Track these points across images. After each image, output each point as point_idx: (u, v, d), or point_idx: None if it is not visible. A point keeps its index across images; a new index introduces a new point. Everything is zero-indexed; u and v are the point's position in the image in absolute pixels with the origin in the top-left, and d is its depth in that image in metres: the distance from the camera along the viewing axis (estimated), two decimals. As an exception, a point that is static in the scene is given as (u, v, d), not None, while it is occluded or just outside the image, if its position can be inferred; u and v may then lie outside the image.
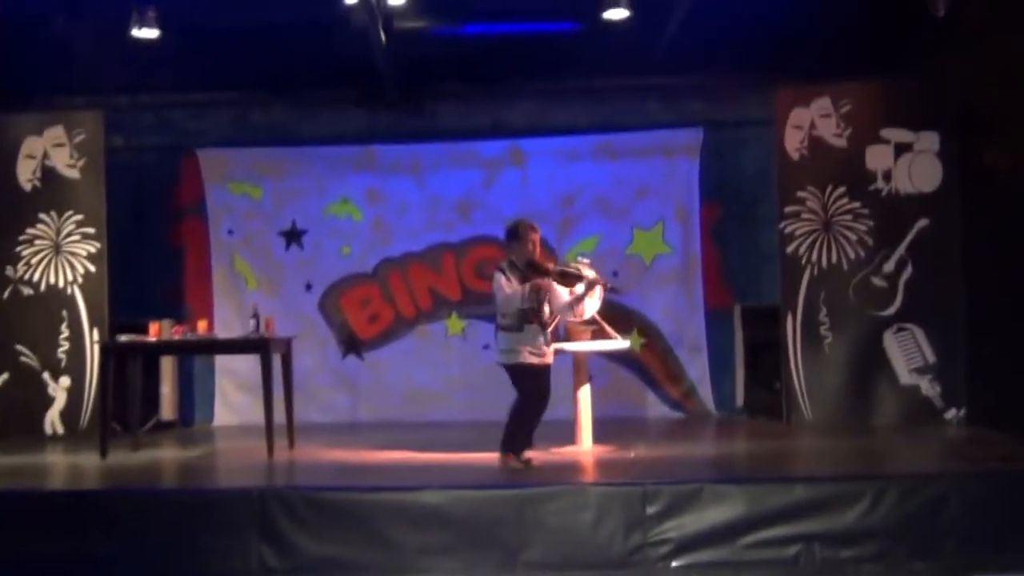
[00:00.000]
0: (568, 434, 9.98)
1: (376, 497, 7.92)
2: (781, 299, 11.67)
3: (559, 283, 9.23)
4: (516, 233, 9.26)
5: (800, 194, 11.56)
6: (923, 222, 11.33)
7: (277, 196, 13.20)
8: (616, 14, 10.44)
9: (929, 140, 11.33)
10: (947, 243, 11.27)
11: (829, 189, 11.49)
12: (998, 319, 10.81)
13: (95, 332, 11.88)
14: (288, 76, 12.61)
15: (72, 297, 11.96)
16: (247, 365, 12.33)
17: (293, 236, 13.17)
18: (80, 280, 11.97)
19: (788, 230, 11.59)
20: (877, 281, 11.38)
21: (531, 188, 13.06)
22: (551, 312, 9.24)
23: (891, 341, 11.34)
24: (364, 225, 13.18)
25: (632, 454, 9.64)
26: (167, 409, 12.74)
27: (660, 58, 11.93)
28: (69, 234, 12.00)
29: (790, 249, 11.57)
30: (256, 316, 10.44)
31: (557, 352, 10.04)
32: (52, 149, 12.10)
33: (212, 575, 7.82)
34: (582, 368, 9.99)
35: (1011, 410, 10.34)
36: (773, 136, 11.73)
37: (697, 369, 12.84)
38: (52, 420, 11.92)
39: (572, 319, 9.52)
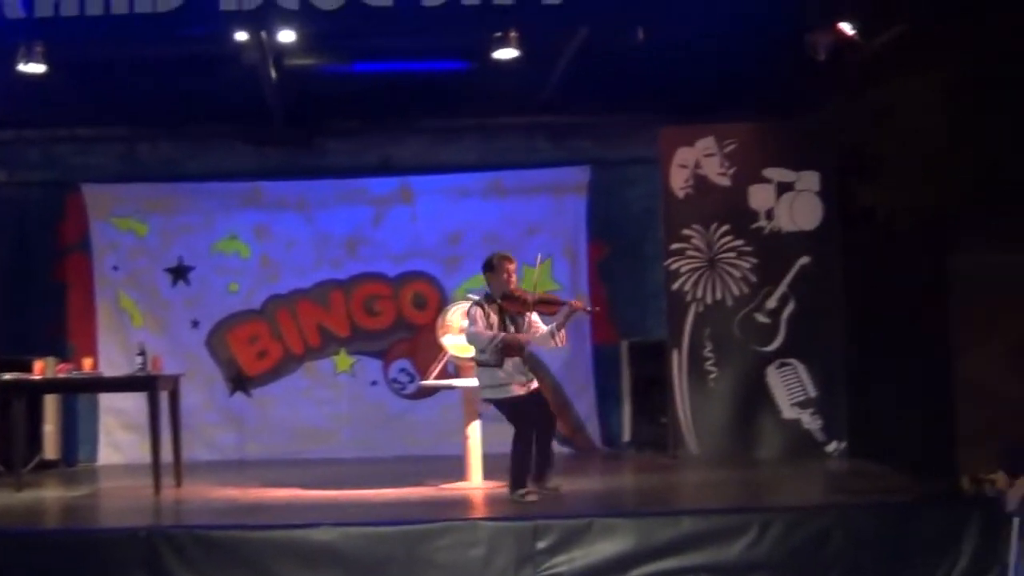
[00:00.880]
0: (458, 470, 9.97)
1: (266, 535, 7.83)
2: (667, 335, 11.80)
3: (539, 311, 9.20)
4: (491, 265, 9.28)
5: (685, 232, 11.71)
6: (804, 260, 11.54)
7: (163, 232, 13.05)
8: (505, 54, 10.49)
9: (810, 180, 11.56)
10: (827, 280, 11.49)
11: (713, 227, 11.66)
12: (876, 354, 11.04)
13: (-24, 370, 11.60)
14: (176, 111, 12.48)
15: (-45, 334, 11.71)
16: (132, 403, 12.15)
17: (180, 273, 13.02)
18: (-39, 317, 11.72)
19: (674, 267, 11.73)
20: (760, 317, 11.56)
21: (420, 225, 13.09)
22: (528, 343, 9.19)
23: (774, 376, 11.52)
24: (252, 262, 13.08)
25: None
26: (50, 448, 12.44)
27: (549, 97, 12.03)
28: (-50, 270, 11.76)
29: (675, 286, 11.71)
30: (143, 353, 10.31)
31: (448, 388, 10.12)
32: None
33: (98, 617, 7.69)
34: (471, 404, 9.99)
35: (890, 443, 10.54)
36: (659, 175, 11.89)
37: (585, 405, 12.92)
38: (-67, 457, 11.61)
39: (553, 346, 9.44)
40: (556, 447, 12.49)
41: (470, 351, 9.93)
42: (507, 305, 9.18)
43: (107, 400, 12.86)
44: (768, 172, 11.59)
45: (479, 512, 8.72)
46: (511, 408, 9.13)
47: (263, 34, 10.09)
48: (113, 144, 13.18)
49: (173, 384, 10.60)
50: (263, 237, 13.10)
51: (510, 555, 7.78)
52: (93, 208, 13.07)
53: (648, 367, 12.41)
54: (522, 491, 8.94)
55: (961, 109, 10.73)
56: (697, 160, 11.72)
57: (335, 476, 10.66)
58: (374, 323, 13.08)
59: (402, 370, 12.95)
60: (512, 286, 9.22)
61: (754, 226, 11.62)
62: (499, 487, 9.70)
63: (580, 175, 13.05)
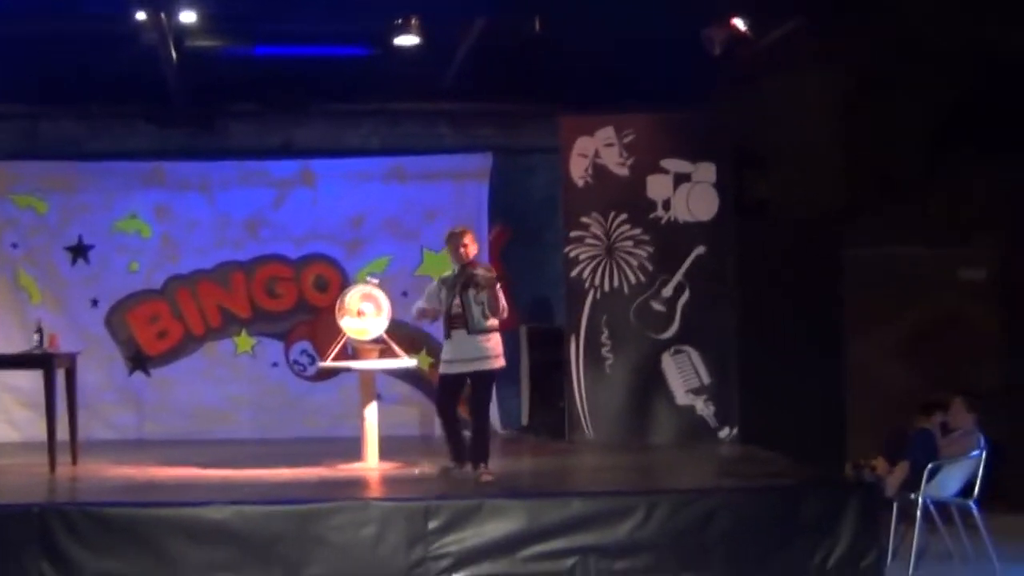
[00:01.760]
0: (355, 451, 10.07)
1: (159, 513, 7.89)
2: (565, 321, 11.98)
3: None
4: (447, 239, 9.49)
5: (584, 220, 11.89)
6: (700, 249, 11.76)
7: (64, 211, 12.97)
8: (406, 40, 10.61)
9: (706, 171, 11.77)
10: (722, 270, 11.73)
11: (612, 216, 11.85)
12: (769, 343, 11.31)
13: None
14: (78, 90, 12.41)
15: None
16: (31, 381, 12.02)
17: (79, 251, 12.94)
18: None
19: (572, 254, 11.91)
20: (656, 305, 11.77)
21: (321, 208, 13.12)
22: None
23: (669, 363, 11.73)
24: (153, 241, 13.04)
25: (417, 471, 9.78)
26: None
27: (450, 84, 12.15)
28: None
29: (574, 273, 11.89)
30: (40, 331, 10.29)
31: (346, 371, 10.23)
32: None
33: (-11, 593, 7.71)
34: (369, 386, 10.10)
35: (781, 429, 10.81)
36: (559, 163, 12.05)
37: (483, 388, 13.06)
38: None
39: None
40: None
41: (368, 334, 10.06)
42: (460, 279, 9.31)
43: (5, 377, 12.72)
44: (666, 163, 11.79)
45: (372, 492, 8.84)
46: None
47: (163, 15, 10.09)
48: (14, 121, 13.07)
49: (70, 362, 10.57)
50: (164, 217, 13.06)
51: (401, 535, 7.92)
52: (-8, 185, 12.98)
53: (546, 352, 12.57)
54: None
55: (853, 105, 11.05)
56: (596, 149, 11.89)
57: (232, 456, 10.70)
58: (275, 305, 13.10)
59: (303, 352, 13.00)
60: (466, 259, 9.35)
61: (651, 216, 11.82)
62: (395, 468, 9.84)
63: (482, 162, 13.17)
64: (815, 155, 11.40)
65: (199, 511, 7.90)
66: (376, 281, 10.04)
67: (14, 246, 12.93)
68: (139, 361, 12.98)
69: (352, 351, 10.49)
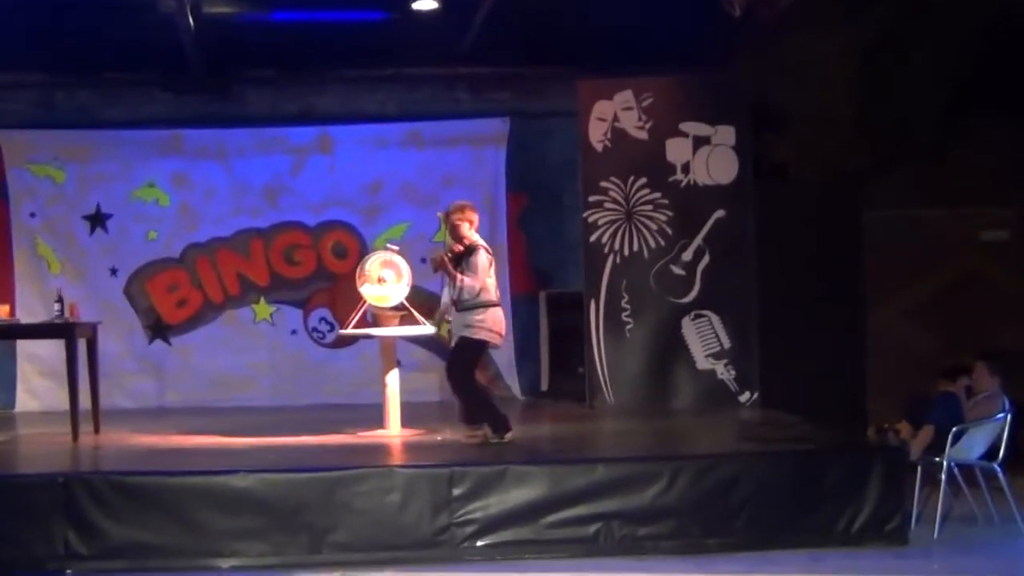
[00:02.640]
0: (376, 418, 10.09)
1: (184, 481, 7.92)
2: (584, 286, 11.97)
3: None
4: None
5: (603, 184, 11.86)
6: (720, 213, 11.72)
7: (81, 180, 12.98)
8: (424, 4, 10.58)
9: (726, 134, 11.72)
10: (742, 234, 11.68)
11: (631, 180, 11.81)
12: (789, 307, 11.30)
13: None
14: (94, 58, 12.42)
15: None
16: (50, 350, 12.13)
17: (98, 220, 12.97)
18: None
19: (591, 219, 11.88)
20: (676, 269, 11.75)
21: (339, 175, 13.11)
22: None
23: (689, 327, 11.72)
24: (171, 210, 13.05)
25: (439, 437, 9.80)
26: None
27: (468, 48, 12.11)
28: None
29: (593, 238, 11.87)
30: (60, 301, 10.32)
31: (366, 338, 10.26)
32: None
33: (16, 563, 7.71)
34: (389, 353, 10.11)
35: (801, 393, 10.82)
36: (577, 127, 12.02)
37: (503, 354, 13.01)
38: None
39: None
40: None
41: (389, 300, 10.07)
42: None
43: (25, 347, 12.81)
44: (685, 126, 11.74)
45: (396, 459, 8.86)
46: None
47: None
48: (29, 90, 13.06)
49: (91, 331, 10.60)
50: (182, 185, 13.07)
51: (426, 501, 7.94)
52: (9, 154, 12.96)
53: (566, 318, 12.57)
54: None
55: (873, 67, 11.00)
56: (615, 113, 11.85)
57: (254, 424, 10.74)
58: (294, 272, 13.12)
59: (321, 319, 13.02)
60: (459, 235, 9.46)
61: (671, 179, 11.78)
62: (416, 434, 9.86)
63: (499, 127, 13.14)
64: (835, 117, 11.37)
65: (224, 479, 7.92)
66: (397, 248, 10.04)
67: (32, 216, 12.96)
68: (159, 330, 13.01)
69: (371, 318, 10.50)
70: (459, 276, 9.24)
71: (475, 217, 9.56)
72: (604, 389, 11.78)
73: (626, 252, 11.83)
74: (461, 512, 7.96)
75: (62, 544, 7.75)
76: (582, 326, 11.93)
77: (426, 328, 10.14)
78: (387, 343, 10.13)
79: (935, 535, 8.41)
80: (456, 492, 7.98)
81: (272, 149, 13.08)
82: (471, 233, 9.47)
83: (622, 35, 11.41)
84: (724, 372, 11.69)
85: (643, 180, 11.79)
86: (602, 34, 11.42)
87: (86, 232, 12.99)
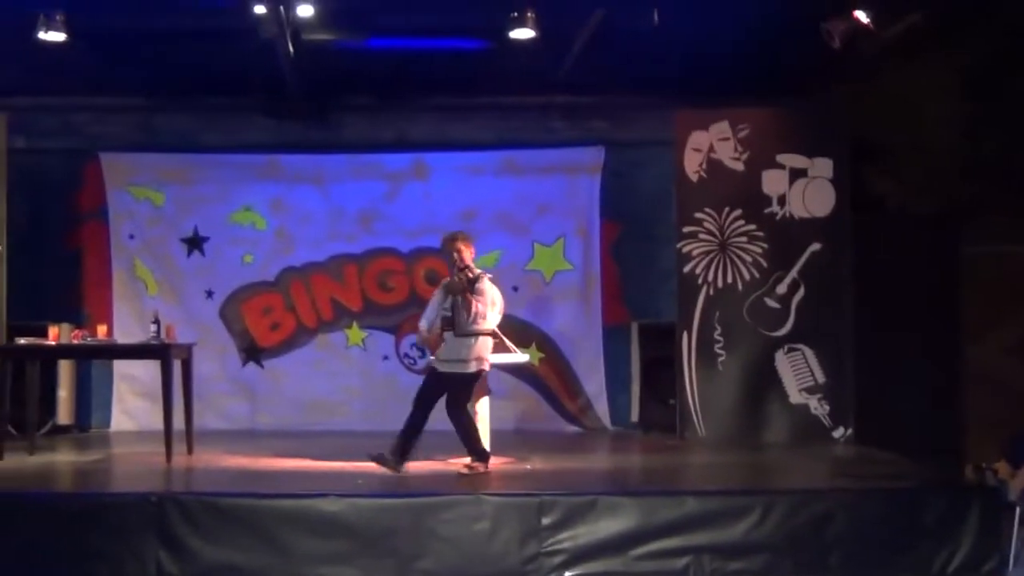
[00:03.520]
0: (465, 445, 10.08)
1: (275, 504, 7.97)
2: (677, 317, 11.89)
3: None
4: (442, 245, 9.68)
5: (698, 215, 11.80)
6: (815, 246, 11.60)
7: (180, 202, 13.17)
8: (522, 34, 10.59)
9: (823, 166, 11.62)
10: (838, 267, 11.56)
11: (726, 211, 11.74)
12: (884, 341, 11.14)
13: (-9, 335, 11.73)
14: (194, 83, 12.58)
15: (-31, 300, 11.80)
16: (146, 371, 12.30)
17: (195, 243, 13.14)
18: (-23, 283, 11.80)
19: (685, 250, 11.82)
20: (770, 302, 11.65)
21: (434, 202, 13.15)
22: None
23: (782, 361, 11.60)
24: (267, 234, 13.19)
25: (528, 466, 9.78)
26: (64, 413, 12.61)
27: (564, 77, 12.11)
28: (-34, 235, 11.85)
29: (687, 268, 11.81)
30: (157, 322, 10.43)
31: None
32: (-45, 148, 11.95)
33: (108, 580, 7.83)
34: (481, 380, 10.09)
35: (897, 430, 10.65)
36: (673, 157, 11.97)
37: (594, 384, 13.02)
38: (-56, 422, 11.73)
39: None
40: (565, 425, 12.78)
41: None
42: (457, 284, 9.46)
43: (121, 367, 13.00)
44: (782, 158, 11.65)
45: (485, 487, 8.83)
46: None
47: (281, 8, 10.18)
48: (130, 114, 13.29)
49: (186, 353, 10.71)
50: (278, 210, 13.20)
51: (515, 530, 7.92)
52: (110, 176, 13.19)
53: (658, 348, 12.49)
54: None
55: (974, 100, 10.83)
56: (711, 144, 11.79)
57: (344, 448, 10.77)
58: (387, 298, 13.19)
59: (413, 345, 13.05)
60: (461, 264, 9.48)
61: (767, 211, 11.69)
62: (506, 462, 9.83)
63: (594, 155, 13.12)
64: (936, 150, 11.23)
65: (313, 503, 7.97)
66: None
67: (131, 237, 13.16)
68: (252, 352, 13.14)
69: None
70: (473, 302, 9.26)
71: (472, 245, 9.63)
72: (695, 421, 11.69)
73: (720, 284, 11.75)
74: (550, 542, 7.94)
75: (154, 563, 7.85)
76: (674, 357, 11.85)
77: (518, 356, 10.11)
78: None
79: (1033, 578, 8.23)
80: (545, 521, 7.95)
81: (368, 175, 13.18)
82: (470, 261, 9.51)
83: (718, 65, 11.34)
84: (818, 407, 11.55)
85: (738, 211, 11.72)
86: (698, 64, 11.36)
87: (183, 254, 13.16)
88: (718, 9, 10.04)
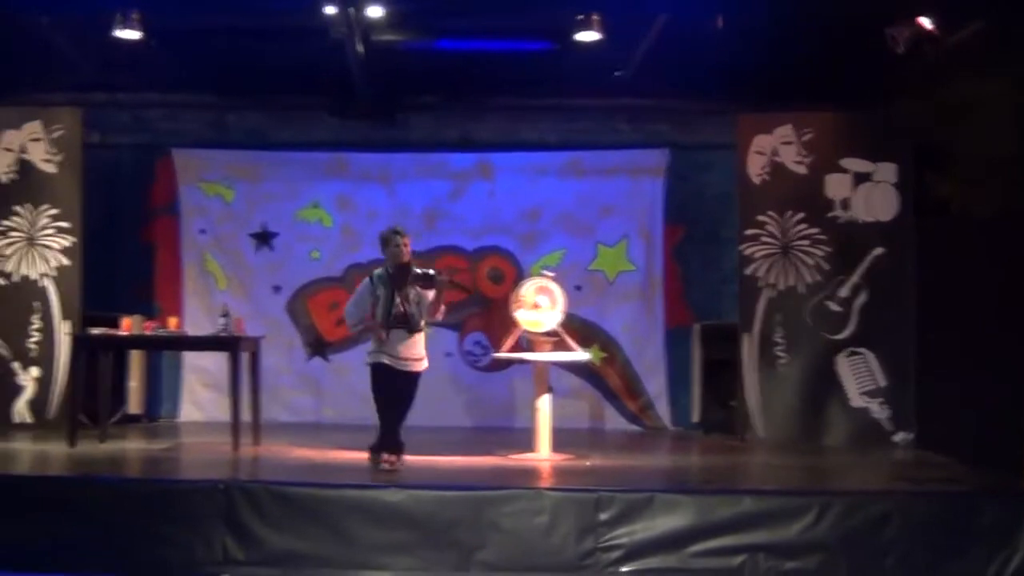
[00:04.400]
0: (527, 442, 10.25)
1: (339, 494, 8.16)
2: (739, 319, 11.98)
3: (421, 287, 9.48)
4: (383, 240, 9.65)
5: (760, 218, 11.89)
6: (878, 250, 11.66)
7: (249, 199, 13.42)
8: (587, 36, 10.74)
9: (887, 171, 11.67)
10: (901, 272, 11.60)
11: (789, 214, 11.82)
12: (947, 346, 11.16)
13: (66, 324, 12.02)
14: (265, 81, 12.81)
15: (44, 289, 12.11)
16: (214, 363, 12.56)
17: (263, 238, 13.39)
18: (53, 273, 12.12)
19: (747, 252, 11.91)
20: (832, 305, 11.71)
21: (498, 201, 13.35)
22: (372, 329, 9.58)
23: (844, 364, 11.66)
24: (334, 230, 13.42)
25: (588, 463, 9.92)
26: (134, 403, 12.91)
27: (629, 80, 12.24)
28: (43, 227, 12.16)
29: (749, 271, 11.90)
30: (227, 315, 10.67)
31: (519, 362, 10.40)
32: (29, 143, 12.26)
33: (177, 565, 8.04)
34: (542, 378, 10.26)
35: (957, 435, 10.65)
36: (736, 160, 12.07)
37: (655, 384, 13.14)
38: (20, 409, 12.04)
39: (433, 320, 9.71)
40: (626, 424, 12.87)
41: (543, 326, 10.24)
42: (399, 278, 9.48)
43: (190, 359, 13.28)
44: (845, 162, 11.72)
45: (545, 482, 8.98)
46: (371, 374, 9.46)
47: (352, 9, 10.38)
48: (202, 111, 13.57)
49: (254, 346, 10.97)
50: (345, 207, 13.43)
51: (572, 525, 8.06)
52: (182, 172, 13.48)
53: (719, 350, 12.55)
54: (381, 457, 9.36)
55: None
56: (774, 147, 11.88)
57: (407, 442, 10.94)
58: (450, 295, 13.28)
59: (476, 343, 13.24)
60: (403, 259, 9.48)
61: (829, 215, 11.76)
62: (566, 459, 9.98)
63: (658, 158, 13.23)
64: (1000, 154, 11.21)
65: (377, 493, 8.16)
66: (552, 274, 10.21)
67: (202, 232, 13.43)
68: (318, 347, 13.37)
69: (526, 343, 10.66)
70: (429, 295, 9.43)
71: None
72: (756, 422, 11.77)
73: (782, 286, 11.83)
74: (607, 537, 8.06)
75: (221, 549, 8.06)
76: (735, 359, 11.94)
77: (580, 355, 10.27)
78: (540, 368, 10.29)
79: (1089, 584, 8.26)
80: (603, 517, 8.08)
81: (433, 174, 13.38)
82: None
83: (782, 69, 11.41)
84: (878, 410, 11.60)
85: (801, 215, 11.80)
86: (762, 68, 11.44)
87: (252, 250, 13.41)
88: (783, 13, 10.12)
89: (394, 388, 9.43)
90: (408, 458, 9.85)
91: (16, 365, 12.07)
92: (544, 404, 10.18)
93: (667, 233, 13.26)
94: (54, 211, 12.19)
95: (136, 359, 12.92)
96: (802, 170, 11.83)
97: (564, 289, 10.48)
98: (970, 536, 8.14)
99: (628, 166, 13.29)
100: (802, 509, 8.14)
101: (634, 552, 8.06)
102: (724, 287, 12.77)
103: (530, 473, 9.45)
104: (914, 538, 8.12)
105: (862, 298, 11.67)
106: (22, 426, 11.96)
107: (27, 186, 12.23)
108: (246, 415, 10.70)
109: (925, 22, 9.84)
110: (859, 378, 11.66)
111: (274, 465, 9.77)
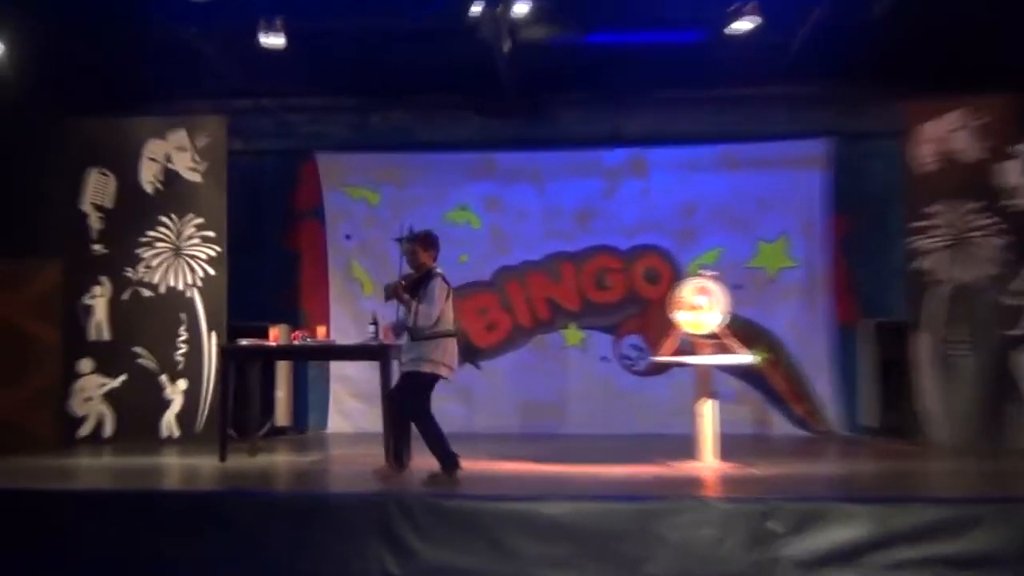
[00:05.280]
0: (689, 449, 10.15)
1: (497, 506, 8.14)
2: (909, 315, 11.75)
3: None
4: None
5: (930, 209, 11.65)
6: (1058, 240, 11.36)
7: (395, 202, 13.53)
8: (742, 26, 10.62)
9: (1065, 156, 11.37)
10: (1081, 261, 11.30)
11: (960, 204, 11.56)
12: None
13: (213, 335, 12.28)
14: (407, 82, 12.93)
15: (191, 300, 12.38)
16: (361, 372, 12.69)
17: (410, 244, 13.47)
18: (199, 283, 12.38)
19: (917, 245, 11.68)
20: (1007, 299, 11.42)
21: (652, 197, 13.30)
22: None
23: (1022, 361, 11.35)
24: (482, 233, 13.50)
25: (755, 471, 9.79)
26: (282, 415, 13.13)
27: (786, 68, 12.08)
28: (189, 237, 12.43)
29: (918, 264, 11.67)
30: (375, 322, 10.71)
31: (679, 366, 10.31)
32: (175, 152, 12.54)
33: (333, 579, 8.13)
34: (705, 382, 10.14)
35: None
36: (901, 148, 11.83)
37: (822, 386, 12.94)
38: (168, 423, 12.33)
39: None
40: (792, 428, 12.71)
41: (704, 328, 10.13)
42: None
43: (337, 368, 13.43)
44: (1020, 148, 11.42)
45: (712, 492, 8.85)
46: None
47: (498, 7, 10.40)
48: (346, 114, 13.73)
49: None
50: (494, 208, 13.49)
51: (742, 536, 7.92)
52: (326, 176, 13.67)
53: (890, 348, 12.34)
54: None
55: None
56: (944, 135, 11.63)
57: (563, 451, 10.96)
58: (605, 297, 13.34)
59: (632, 346, 13.19)
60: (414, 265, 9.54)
61: (1003, 204, 11.47)
62: (732, 467, 9.86)
63: (817, 148, 13.05)
64: None
65: (536, 506, 8.10)
66: (713, 273, 10.08)
67: (348, 238, 13.60)
68: (469, 353, 13.36)
69: (686, 346, 10.56)
70: (413, 304, 9.25)
71: (435, 246, 9.58)
72: (931, 425, 11.53)
73: (955, 280, 11.57)
74: (778, 549, 7.92)
75: (378, 563, 8.08)
76: (906, 357, 11.70)
77: (743, 357, 10.13)
78: (702, 372, 10.17)
79: None
80: (774, 528, 7.94)
81: (585, 172, 13.37)
82: (429, 261, 9.46)
83: (950, 53, 11.17)
84: (1061, 410, 11.29)
85: (973, 204, 11.54)
86: (926, 51, 11.20)
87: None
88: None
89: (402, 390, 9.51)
90: (567, 468, 9.83)
91: (164, 378, 12.36)
92: (707, 410, 10.07)
93: (832, 225, 13.06)
94: (199, 220, 12.45)
95: (283, 370, 13.13)
96: (973, 158, 11.55)
97: (725, 288, 10.35)
98: None
99: (786, 157, 13.14)
100: (986, 518, 7.89)
101: (807, 564, 7.88)
102: (895, 281, 12.49)
103: (695, 482, 9.34)
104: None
105: (1039, 290, 11.37)
106: (170, 440, 12.24)
107: (172, 196, 12.52)
108: (397, 425, 10.72)
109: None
110: (1039, 375, 11.36)
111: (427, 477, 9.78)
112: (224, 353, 11.01)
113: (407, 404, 9.44)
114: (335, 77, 12.91)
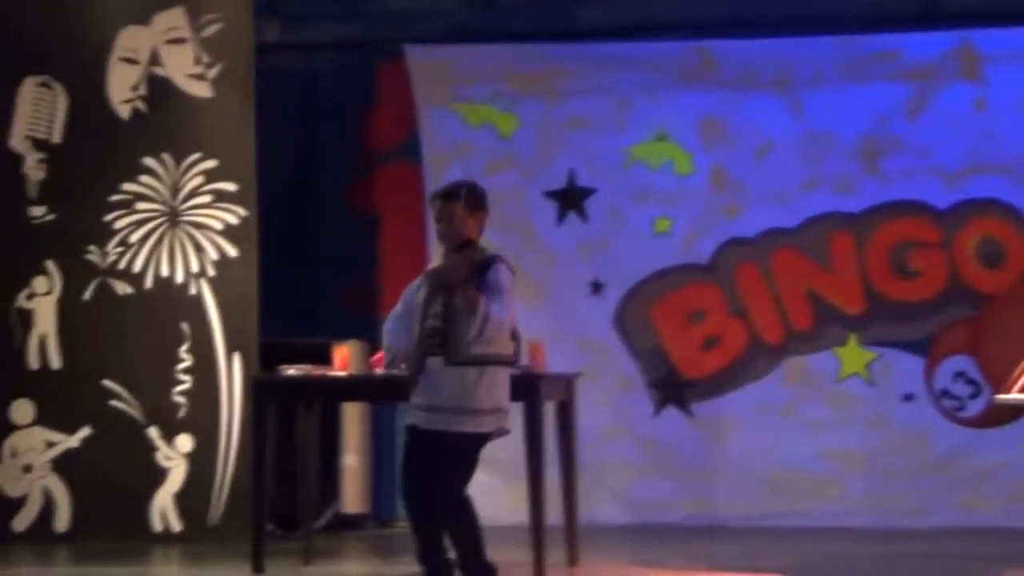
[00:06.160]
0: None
1: None
2: None
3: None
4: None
5: None
6: None
7: (544, 128, 13.61)
8: None
9: None
10: None
11: None
12: None
13: (236, 360, 12.33)
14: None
15: (197, 300, 12.47)
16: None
17: (571, 199, 13.56)
18: (211, 272, 12.46)
19: None
20: None
21: (992, 117, 13.12)
22: None
23: None
24: (696, 181, 13.48)
25: None
26: (351, 495, 13.17)
27: None
28: (193, 193, 12.54)
29: None
30: (515, 337, 10.69)
31: None
32: (165, 47, 12.59)
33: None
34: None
35: None
36: None
37: None
38: (162, 508, 12.39)
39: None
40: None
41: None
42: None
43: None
44: None
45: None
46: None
47: None
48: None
49: (565, 390, 10.90)
50: (714, 136, 13.45)
51: None
52: (424, 86, 13.70)
53: None
54: None
55: None
56: None
57: (844, 560, 10.95)
58: (909, 290, 13.21)
59: (959, 374, 13.09)
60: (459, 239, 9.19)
61: None
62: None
63: None
64: None
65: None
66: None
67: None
68: (672, 389, 13.45)
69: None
70: (482, 302, 8.89)
71: (486, 208, 9.41)
72: None
73: None
74: None
75: None
76: None
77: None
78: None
79: None
80: None
81: (872, 73, 13.23)
82: (477, 232, 9.25)
83: None
84: None
85: None
86: None
87: (551, 218, 13.56)
88: None
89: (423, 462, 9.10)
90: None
91: (154, 433, 12.39)
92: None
93: None
94: (209, 164, 12.54)
95: (354, 419, 13.16)
96: None
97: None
98: None
99: None
100: None
101: None
102: None
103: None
104: None
105: None
106: (166, 536, 12.29)
107: (163, 123, 12.58)
108: (553, 512, 10.69)
109: None
110: None
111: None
112: (257, 390, 11.02)
113: (449, 483, 9.07)
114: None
